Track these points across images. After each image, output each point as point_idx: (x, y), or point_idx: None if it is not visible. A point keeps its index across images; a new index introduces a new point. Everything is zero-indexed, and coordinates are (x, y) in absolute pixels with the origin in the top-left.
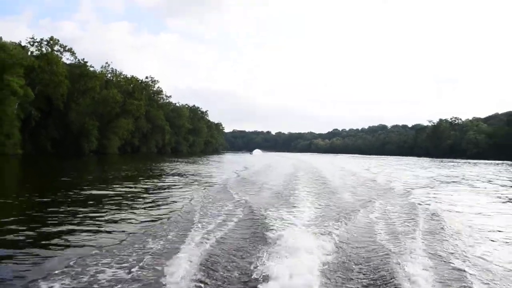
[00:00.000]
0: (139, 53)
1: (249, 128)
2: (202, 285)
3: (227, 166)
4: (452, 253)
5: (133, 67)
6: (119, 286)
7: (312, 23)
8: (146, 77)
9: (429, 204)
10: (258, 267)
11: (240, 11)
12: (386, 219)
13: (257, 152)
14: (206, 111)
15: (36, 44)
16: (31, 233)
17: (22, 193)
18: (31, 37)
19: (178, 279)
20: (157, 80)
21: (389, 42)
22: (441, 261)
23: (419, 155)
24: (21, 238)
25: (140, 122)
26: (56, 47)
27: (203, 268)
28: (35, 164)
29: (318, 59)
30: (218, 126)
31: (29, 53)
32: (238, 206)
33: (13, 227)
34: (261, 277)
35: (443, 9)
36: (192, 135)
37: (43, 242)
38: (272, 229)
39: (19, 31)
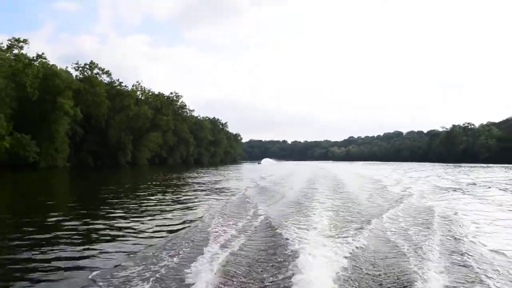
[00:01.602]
0: (156, 64)
1: (265, 137)
2: None
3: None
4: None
5: (149, 78)
6: None
7: (330, 30)
8: (171, 93)
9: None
10: (277, 278)
11: (256, 15)
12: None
13: (266, 161)
14: (225, 123)
15: (80, 68)
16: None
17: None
18: (76, 62)
19: None
20: (181, 95)
21: (396, 47)
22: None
23: (432, 160)
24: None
25: (167, 136)
26: (95, 70)
27: (222, 277)
28: (85, 175)
29: (336, 66)
30: (236, 136)
31: (74, 76)
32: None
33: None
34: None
35: (451, 13)
36: (213, 146)
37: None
38: (289, 236)
39: (39, 46)
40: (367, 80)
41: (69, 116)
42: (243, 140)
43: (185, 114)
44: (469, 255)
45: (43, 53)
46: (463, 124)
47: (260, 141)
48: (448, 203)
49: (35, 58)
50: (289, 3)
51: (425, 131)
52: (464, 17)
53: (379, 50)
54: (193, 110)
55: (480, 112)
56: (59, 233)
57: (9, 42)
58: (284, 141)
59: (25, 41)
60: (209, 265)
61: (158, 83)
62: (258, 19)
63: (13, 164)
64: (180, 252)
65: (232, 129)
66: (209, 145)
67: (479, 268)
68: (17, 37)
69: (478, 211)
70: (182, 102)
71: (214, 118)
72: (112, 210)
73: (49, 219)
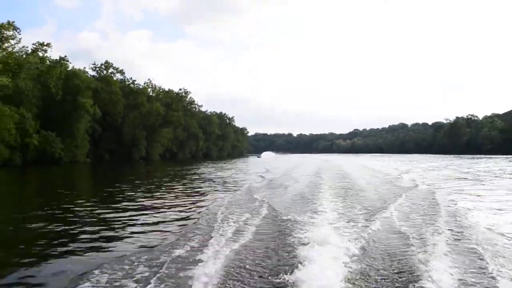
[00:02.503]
0: (157, 59)
1: (271, 130)
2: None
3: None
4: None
5: (151, 73)
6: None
7: (331, 29)
8: (180, 89)
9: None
10: (283, 271)
11: (255, 15)
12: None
13: (267, 154)
14: (232, 117)
15: (97, 69)
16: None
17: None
18: (93, 63)
19: (202, 283)
20: (189, 91)
21: (398, 44)
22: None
23: (437, 152)
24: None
25: (178, 131)
26: (110, 70)
27: (228, 272)
28: (104, 170)
29: (337, 66)
30: (243, 130)
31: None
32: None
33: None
34: (287, 281)
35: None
36: (220, 140)
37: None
38: (297, 228)
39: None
40: (370, 79)
41: (89, 115)
42: (249, 134)
43: (194, 109)
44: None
45: (65, 56)
46: (467, 116)
47: (266, 134)
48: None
49: (58, 60)
50: (289, 3)
51: (430, 123)
52: (468, 11)
53: (380, 48)
54: (201, 105)
55: (485, 104)
56: (80, 220)
57: (34, 46)
58: (290, 134)
59: (48, 45)
60: (215, 258)
61: (159, 78)
62: (258, 18)
63: (39, 160)
64: (187, 244)
65: (237, 122)
66: (217, 140)
67: None
68: (41, 42)
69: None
70: (190, 98)
71: (221, 112)
72: (128, 203)
73: (75, 208)
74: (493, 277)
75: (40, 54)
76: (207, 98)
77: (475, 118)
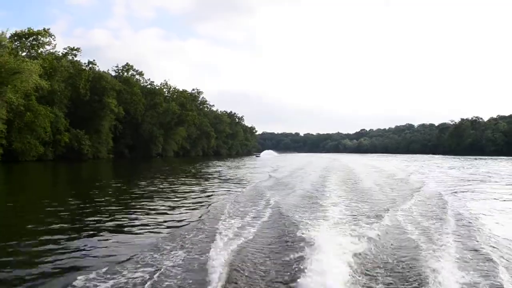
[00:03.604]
0: (169, 57)
1: (278, 130)
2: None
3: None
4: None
5: (162, 71)
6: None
7: (343, 27)
8: (193, 89)
9: None
10: (289, 268)
11: (267, 14)
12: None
13: (268, 154)
14: (242, 116)
15: (119, 71)
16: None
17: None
18: (116, 65)
19: (211, 280)
20: (202, 91)
21: (409, 42)
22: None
23: (442, 153)
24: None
25: (191, 129)
26: (131, 71)
27: (234, 269)
28: (126, 165)
29: (347, 62)
30: (251, 129)
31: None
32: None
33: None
34: (293, 279)
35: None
36: (230, 138)
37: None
38: (302, 226)
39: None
40: (378, 79)
41: (114, 114)
42: (256, 133)
43: (206, 109)
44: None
45: (93, 60)
46: (471, 118)
47: (273, 133)
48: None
49: (86, 63)
50: (301, 2)
51: (436, 124)
52: (477, 12)
53: (390, 49)
54: (213, 105)
55: (493, 105)
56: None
57: (65, 50)
58: (297, 133)
59: (77, 49)
60: (222, 254)
61: (170, 76)
62: (269, 17)
63: (66, 156)
64: (195, 240)
65: (245, 121)
66: (226, 138)
67: None
68: (71, 46)
69: None
70: (203, 97)
71: (231, 112)
72: (145, 200)
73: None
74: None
75: (70, 57)
76: (216, 97)
77: (480, 119)
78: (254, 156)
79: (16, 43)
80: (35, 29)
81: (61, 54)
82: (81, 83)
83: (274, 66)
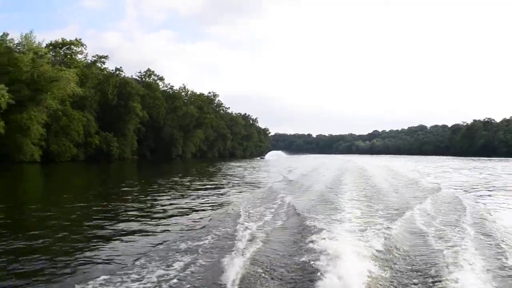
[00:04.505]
0: (179, 59)
1: (290, 131)
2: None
3: None
4: None
5: (172, 72)
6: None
7: (353, 28)
8: (209, 93)
9: None
10: (305, 272)
11: (277, 15)
12: None
13: (273, 155)
14: (256, 118)
15: (142, 77)
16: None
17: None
18: (139, 71)
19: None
20: (217, 94)
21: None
22: None
23: (454, 154)
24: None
25: (208, 132)
26: (152, 77)
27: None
28: (149, 165)
29: (359, 62)
30: (265, 131)
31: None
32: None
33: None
34: (309, 282)
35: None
36: (244, 140)
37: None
38: (318, 226)
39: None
40: (390, 80)
41: (138, 117)
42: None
43: (221, 111)
44: None
45: (120, 67)
46: (484, 119)
47: (285, 134)
48: None
49: (114, 70)
50: (312, 2)
51: (449, 125)
52: (493, 14)
53: (403, 50)
54: (229, 107)
55: (505, 106)
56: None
57: (94, 58)
58: (309, 135)
59: (106, 57)
60: (239, 254)
61: (182, 77)
62: (278, 16)
63: (95, 157)
64: (209, 242)
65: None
66: (241, 140)
67: None
68: (100, 55)
69: None
70: (218, 100)
71: (245, 114)
72: (167, 199)
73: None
74: None
75: (99, 65)
76: (228, 98)
77: (492, 121)
78: (259, 158)
79: (51, 52)
80: (68, 39)
81: (89, 61)
82: (110, 89)
83: (285, 67)
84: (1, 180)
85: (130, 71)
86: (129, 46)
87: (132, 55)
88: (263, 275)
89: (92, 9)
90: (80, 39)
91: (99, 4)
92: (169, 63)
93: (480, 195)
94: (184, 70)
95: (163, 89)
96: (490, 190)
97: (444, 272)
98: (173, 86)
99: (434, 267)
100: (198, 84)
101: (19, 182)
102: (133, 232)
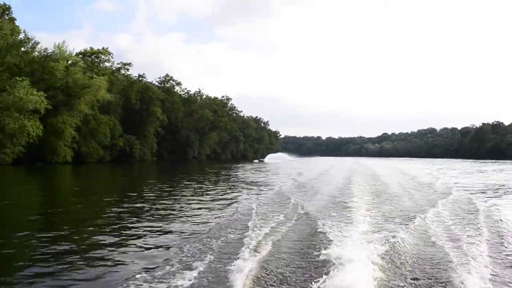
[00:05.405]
0: (190, 61)
1: (299, 133)
2: None
3: None
4: None
5: (183, 74)
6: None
7: (363, 29)
8: (222, 96)
9: None
10: (316, 276)
11: (288, 17)
12: None
13: (273, 158)
14: (267, 121)
15: (162, 82)
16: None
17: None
18: (158, 77)
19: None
20: (231, 98)
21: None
22: None
23: (463, 157)
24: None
25: (222, 134)
26: (170, 82)
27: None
28: (169, 166)
29: (368, 64)
30: (275, 134)
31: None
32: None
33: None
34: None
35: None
36: (256, 142)
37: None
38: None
39: (80, 44)
40: (401, 82)
41: (159, 121)
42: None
43: (234, 114)
44: None
45: (143, 74)
46: (492, 122)
47: (295, 137)
48: None
49: (137, 77)
50: (323, 3)
51: (459, 127)
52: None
53: (413, 52)
54: (241, 110)
55: None
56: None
57: (119, 65)
58: (319, 137)
59: (129, 64)
60: (247, 260)
61: (192, 79)
62: (290, 18)
63: (118, 158)
64: (219, 245)
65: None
66: (252, 142)
67: None
68: (124, 62)
69: None
70: (231, 104)
71: (256, 117)
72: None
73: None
74: None
75: (123, 71)
76: (240, 99)
77: (501, 124)
78: (257, 161)
79: (80, 61)
80: (96, 48)
81: (114, 68)
82: (133, 94)
83: (295, 68)
84: (50, 179)
85: (137, 72)
86: (139, 48)
87: (140, 56)
88: (271, 280)
89: (106, 11)
90: (107, 48)
91: (111, 6)
92: (176, 64)
93: None
94: (193, 72)
95: (180, 93)
96: None
97: (456, 281)
98: (189, 91)
99: (445, 275)
100: (209, 85)
101: (65, 181)
102: (145, 234)
